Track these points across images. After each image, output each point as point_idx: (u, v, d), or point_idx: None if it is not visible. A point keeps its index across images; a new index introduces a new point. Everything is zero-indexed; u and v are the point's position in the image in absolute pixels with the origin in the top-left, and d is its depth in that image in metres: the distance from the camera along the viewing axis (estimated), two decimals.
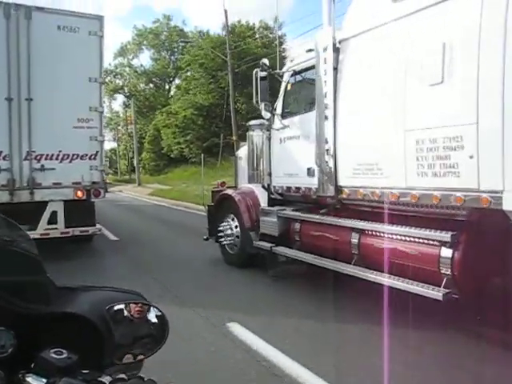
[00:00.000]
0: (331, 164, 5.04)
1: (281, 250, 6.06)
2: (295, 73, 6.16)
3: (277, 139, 6.35)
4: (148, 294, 1.21)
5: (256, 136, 6.55)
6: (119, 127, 51.42)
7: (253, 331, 4.32)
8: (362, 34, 4.70)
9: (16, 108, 7.15)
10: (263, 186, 6.67)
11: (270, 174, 6.51)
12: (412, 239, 4.27)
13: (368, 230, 4.77)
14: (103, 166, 7.99)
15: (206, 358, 3.83)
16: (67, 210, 7.42)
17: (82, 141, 7.56)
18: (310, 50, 5.64)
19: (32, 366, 0.90)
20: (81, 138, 7.55)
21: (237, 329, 4.44)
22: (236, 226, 7.00)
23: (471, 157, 3.60)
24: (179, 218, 13.97)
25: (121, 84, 48.67)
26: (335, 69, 4.99)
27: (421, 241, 4.20)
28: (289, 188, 6.15)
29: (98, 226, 7.87)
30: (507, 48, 3.36)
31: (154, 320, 1.10)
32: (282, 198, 6.49)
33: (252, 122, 6.79)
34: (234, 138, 23.07)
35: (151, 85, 48.01)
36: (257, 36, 33.52)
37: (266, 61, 6.26)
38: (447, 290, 3.86)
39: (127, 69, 48.21)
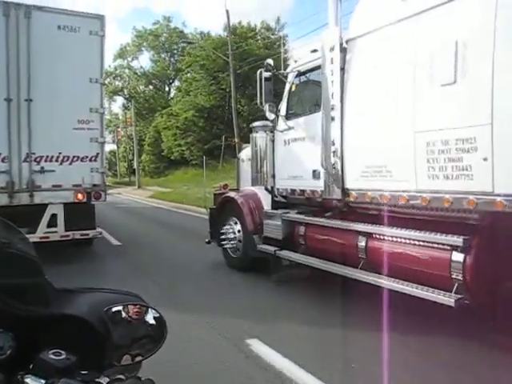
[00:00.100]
0: (338, 166, 4.95)
1: (285, 253, 5.96)
2: (300, 73, 6.08)
3: (281, 141, 6.26)
4: (147, 296, 1.22)
5: (260, 138, 6.48)
6: (119, 129, 51.30)
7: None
8: (371, 33, 4.62)
9: (15, 109, 7.04)
10: (266, 189, 6.58)
11: (273, 177, 6.43)
12: (422, 243, 4.18)
13: (376, 234, 4.67)
14: (104, 168, 7.88)
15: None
16: (67, 212, 7.30)
17: (82, 142, 7.45)
18: (315, 51, 5.57)
19: (31, 367, 0.90)
20: (81, 139, 7.44)
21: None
22: (239, 230, 6.89)
23: (485, 159, 3.50)
24: (180, 221, 13.85)
25: (120, 86, 48.58)
26: (342, 69, 4.90)
27: (431, 245, 4.10)
28: (293, 191, 6.04)
29: (98, 229, 7.75)
30: None
31: (152, 321, 1.11)
32: (285, 201, 6.40)
33: (255, 124, 6.73)
34: (236, 139, 22.98)
35: (151, 87, 47.94)
36: (258, 37, 33.46)
37: (270, 61, 6.17)
38: (459, 296, 3.76)
39: (127, 70, 48.12)
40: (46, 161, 7.25)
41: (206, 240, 7.56)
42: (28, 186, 7.15)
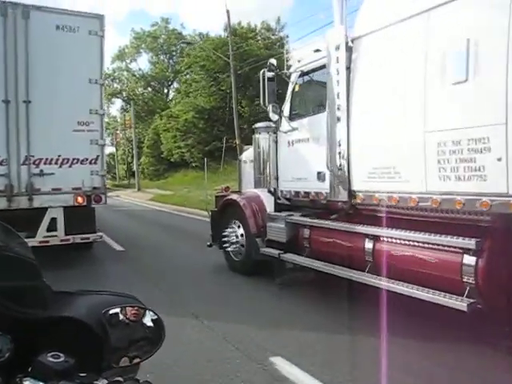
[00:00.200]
0: (344, 167, 4.84)
1: (289, 257, 5.86)
2: (303, 73, 5.97)
3: (284, 142, 6.16)
4: (148, 299, 1.22)
5: (262, 139, 6.39)
6: (117, 131, 51.17)
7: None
8: (377, 31, 4.51)
9: (13, 111, 6.91)
10: (269, 191, 6.49)
11: (276, 178, 6.33)
12: (431, 246, 4.07)
13: (383, 236, 4.56)
14: (104, 171, 7.76)
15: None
16: (67, 216, 7.18)
17: (82, 145, 7.33)
18: (318, 50, 5.47)
19: (29, 369, 0.91)
20: (81, 141, 7.32)
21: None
22: (241, 233, 6.79)
23: (499, 159, 3.39)
24: (182, 224, 13.70)
25: (119, 88, 48.46)
26: (348, 68, 4.80)
27: (441, 247, 4.00)
28: (297, 193, 5.94)
29: (98, 232, 7.63)
30: None
31: (150, 323, 1.12)
32: (288, 204, 6.30)
33: (258, 125, 6.64)
34: (237, 141, 22.85)
35: (149, 89, 47.83)
36: (259, 38, 33.35)
37: (273, 61, 6.08)
38: (472, 300, 3.66)
39: (125, 73, 48.02)
40: (45, 163, 7.13)
41: (208, 243, 7.46)
42: (27, 189, 7.03)
